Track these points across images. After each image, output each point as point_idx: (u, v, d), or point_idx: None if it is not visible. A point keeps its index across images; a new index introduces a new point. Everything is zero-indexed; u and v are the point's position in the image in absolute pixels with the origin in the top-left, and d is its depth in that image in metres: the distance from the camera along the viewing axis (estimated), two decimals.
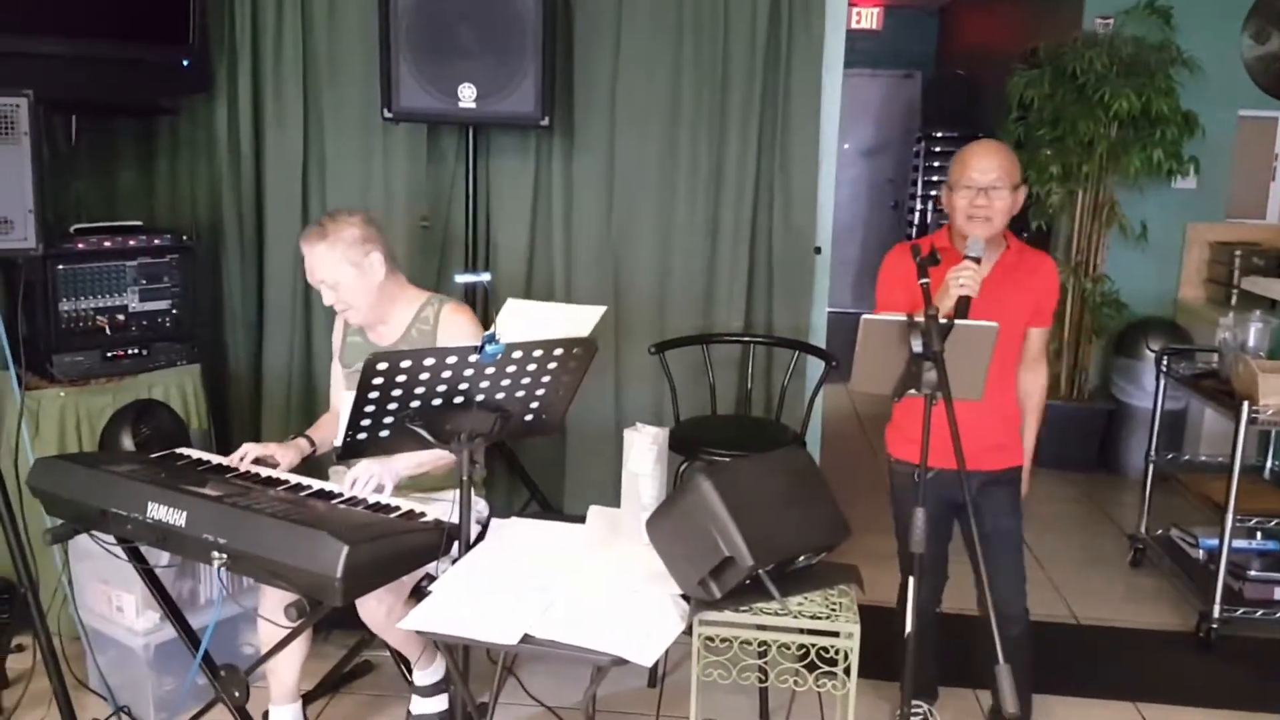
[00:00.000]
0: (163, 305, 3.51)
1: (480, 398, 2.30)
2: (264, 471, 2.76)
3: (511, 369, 2.28)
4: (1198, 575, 3.93)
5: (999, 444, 2.79)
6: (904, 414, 2.85)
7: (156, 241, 3.50)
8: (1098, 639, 3.67)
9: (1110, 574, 4.27)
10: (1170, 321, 5.47)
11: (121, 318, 3.42)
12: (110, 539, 2.60)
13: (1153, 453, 4.30)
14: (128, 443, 3.19)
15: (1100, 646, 3.61)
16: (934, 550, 2.66)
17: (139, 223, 3.64)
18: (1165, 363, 4.21)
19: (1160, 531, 4.31)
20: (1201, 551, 4.04)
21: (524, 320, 2.30)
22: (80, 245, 3.34)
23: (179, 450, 2.98)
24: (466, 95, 3.45)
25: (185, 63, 3.59)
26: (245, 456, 2.75)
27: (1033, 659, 2.89)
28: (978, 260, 2.45)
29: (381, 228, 2.86)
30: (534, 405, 2.40)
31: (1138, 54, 5.22)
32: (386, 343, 2.93)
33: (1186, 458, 4.58)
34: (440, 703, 2.89)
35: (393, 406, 2.24)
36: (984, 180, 2.62)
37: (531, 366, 2.30)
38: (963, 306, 2.41)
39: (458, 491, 2.35)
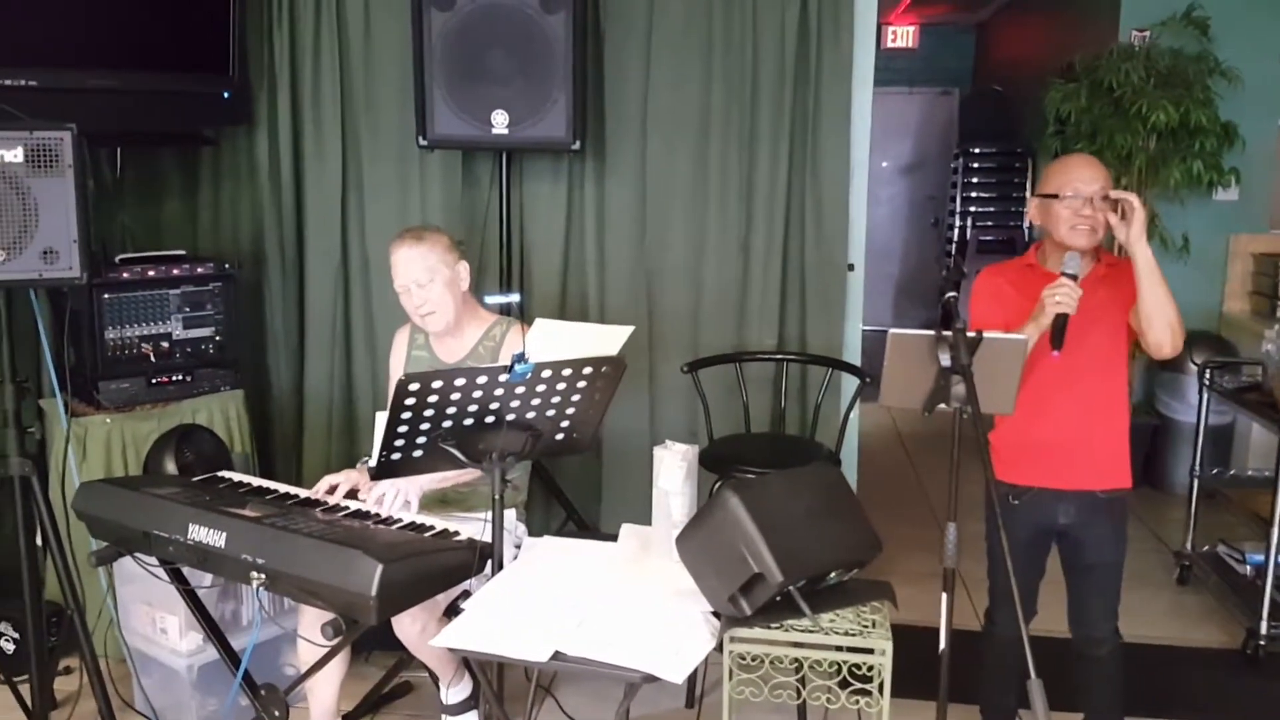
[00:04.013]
0: (206, 332, 3.58)
1: (511, 417, 2.33)
2: (302, 493, 2.80)
3: (541, 388, 2.30)
4: (1245, 592, 3.86)
5: (1108, 461, 2.66)
6: (998, 437, 2.74)
7: (199, 270, 3.57)
8: (1144, 657, 3.60)
9: (1156, 591, 4.21)
10: (1215, 335, 5.39)
11: (166, 345, 3.49)
12: (153, 561, 2.65)
13: (1198, 468, 4.24)
14: (171, 467, 3.25)
15: (1146, 665, 3.55)
16: (1024, 582, 2.54)
17: (183, 251, 3.72)
18: (1209, 376, 4.15)
19: (1206, 548, 4.24)
20: (1249, 567, 3.97)
21: (553, 340, 2.32)
22: (125, 274, 3.42)
23: (220, 474, 3.03)
24: (499, 122, 3.50)
25: (226, 94, 3.67)
26: (336, 489, 2.77)
27: (1123, 679, 2.78)
28: (1075, 277, 2.42)
29: None
30: (564, 424, 2.43)
31: (1175, 65, 5.18)
32: (454, 357, 2.99)
33: (1232, 472, 4.51)
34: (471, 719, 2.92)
35: (425, 427, 2.27)
36: (1089, 190, 2.52)
37: (561, 385, 2.32)
38: (1060, 325, 2.41)
39: (502, 510, 2.38)
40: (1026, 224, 8.08)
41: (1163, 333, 2.47)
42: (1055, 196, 2.55)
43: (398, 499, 2.68)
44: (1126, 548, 2.72)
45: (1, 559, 2.83)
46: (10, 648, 3.34)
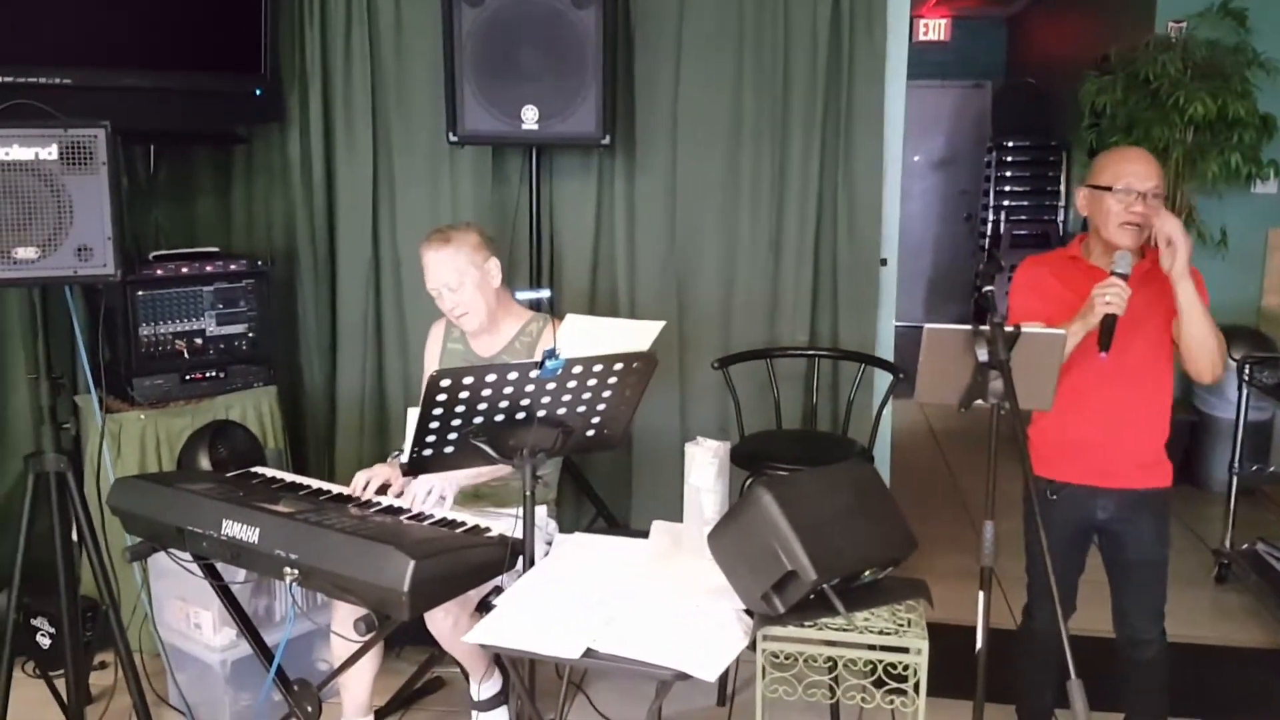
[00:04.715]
0: (239, 329, 3.60)
1: (542, 413, 2.32)
2: (335, 489, 2.81)
3: (572, 384, 2.29)
4: None
5: (1148, 460, 2.61)
6: (1037, 433, 2.71)
7: (233, 267, 3.59)
8: (1182, 657, 3.54)
9: (1194, 590, 4.15)
10: (1253, 330, 5.31)
11: (199, 341, 3.51)
12: (186, 556, 2.67)
13: (1236, 465, 4.18)
14: (204, 462, 3.26)
15: (1185, 664, 3.49)
16: (1063, 578, 2.54)
17: (216, 249, 3.74)
18: (1248, 372, 4.09)
19: (1246, 546, 4.17)
20: None
21: (584, 336, 2.31)
22: (159, 271, 3.44)
23: (254, 469, 3.04)
24: (529, 117, 3.49)
25: (258, 92, 3.69)
26: (370, 485, 2.79)
27: (1167, 683, 2.74)
28: (1125, 277, 2.39)
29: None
30: (595, 420, 2.42)
31: (1212, 57, 5.11)
32: (489, 352, 3.00)
33: (1272, 469, 4.44)
34: (501, 715, 2.92)
35: (456, 423, 2.26)
36: (1144, 186, 2.47)
37: (592, 381, 2.31)
38: (1109, 326, 2.38)
39: (534, 507, 2.38)
40: (1061, 218, 8.01)
41: (1203, 363, 2.46)
42: (1108, 189, 2.50)
43: (431, 495, 2.68)
44: (1170, 548, 2.67)
45: (37, 554, 2.84)
46: (46, 643, 3.37)
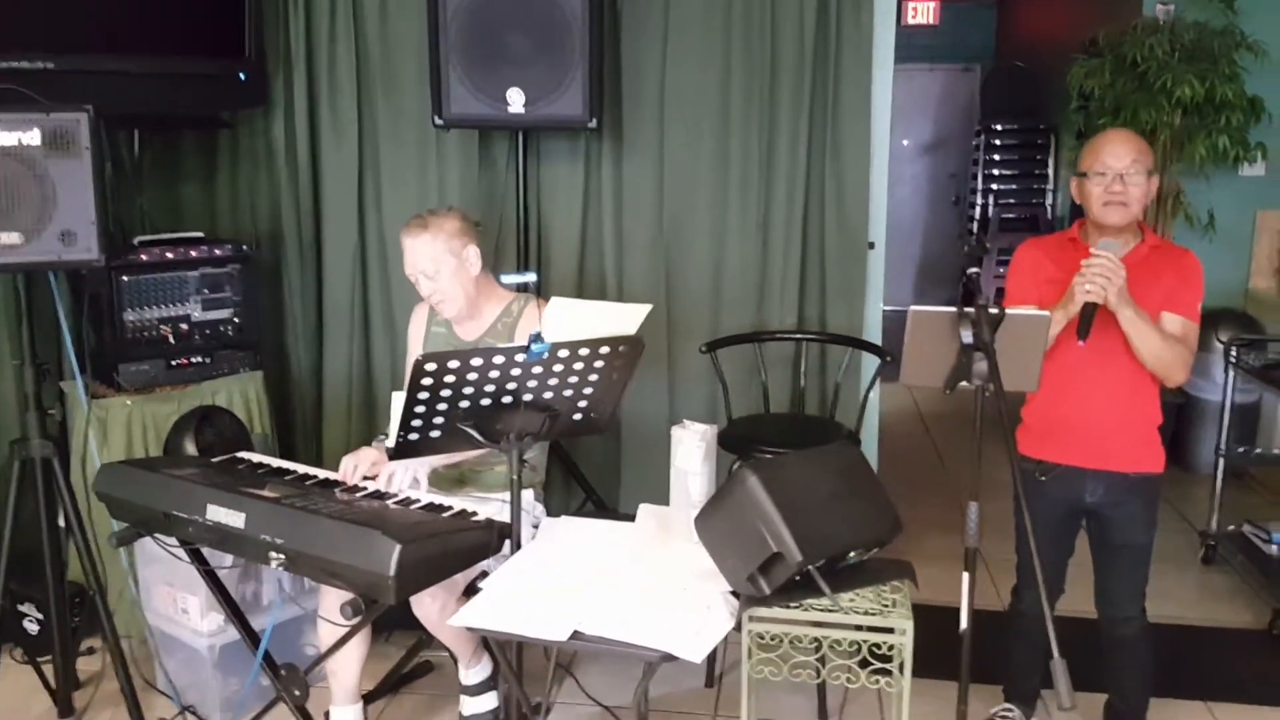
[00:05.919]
0: (225, 314, 3.59)
1: (529, 397, 2.32)
2: (321, 474, 2.80)
3: (559, 368, 2.29)
4: (1271, 571, 3.83)
5: (1138, 443, 2.64)
6: (1029, 413, 2.74)
7: (217, 251, 3.57)
8: (1168, 638, 3.57)
9: (1181, 571, 4.17)
10: (1240, 312, 5.33)
11: (185, 327, 3.50)
12: (173, 541, 2.66)
13: (1223, 447, 4.20)
14: (191, 448, 3.25)
15: (1170, 645, 3.52)
16: (1051, 559, 2.58)
17: (200, 234, 3.72)
18: (1235, 354, 4.11)
19: (1232, 527, 4.20)
20: (1275, 547, 3.94)
21: (570, 319, 2.31)
22: (143, 256, 3.42)
23: (240, 455, 3.04)
24: (515, 100, 3.47)
25: (242, 76, 3.67)
26: (357, 469, 2.78)
27: (1151, 660, 2.78)
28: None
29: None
30: (582, 404, 2.41)
31: (1200, 40, 5.11)
32: (472, 336, 2.99)
33: (1258, 451, 4.46)
34: (490, 700, 2.92)
35: (442, 407, 2.26)
36: (1119, 165, 2.53)
37: (578, 365, 2.31)
38: (1088, 314, 2.41)
39: (520, 490, 2.38)
40: (1049, 201, 8.01)
41: (1162, 373, 2.54)
42: (1086, 175, 2.54)
43: (406, 475, 2.68)
44: (1156, 531, 2.69)
45: (24, 541, 2.84)
46: (34, 629, 3.36)
